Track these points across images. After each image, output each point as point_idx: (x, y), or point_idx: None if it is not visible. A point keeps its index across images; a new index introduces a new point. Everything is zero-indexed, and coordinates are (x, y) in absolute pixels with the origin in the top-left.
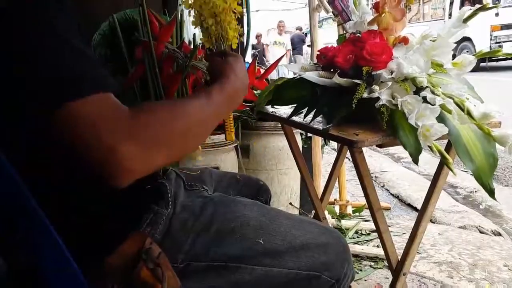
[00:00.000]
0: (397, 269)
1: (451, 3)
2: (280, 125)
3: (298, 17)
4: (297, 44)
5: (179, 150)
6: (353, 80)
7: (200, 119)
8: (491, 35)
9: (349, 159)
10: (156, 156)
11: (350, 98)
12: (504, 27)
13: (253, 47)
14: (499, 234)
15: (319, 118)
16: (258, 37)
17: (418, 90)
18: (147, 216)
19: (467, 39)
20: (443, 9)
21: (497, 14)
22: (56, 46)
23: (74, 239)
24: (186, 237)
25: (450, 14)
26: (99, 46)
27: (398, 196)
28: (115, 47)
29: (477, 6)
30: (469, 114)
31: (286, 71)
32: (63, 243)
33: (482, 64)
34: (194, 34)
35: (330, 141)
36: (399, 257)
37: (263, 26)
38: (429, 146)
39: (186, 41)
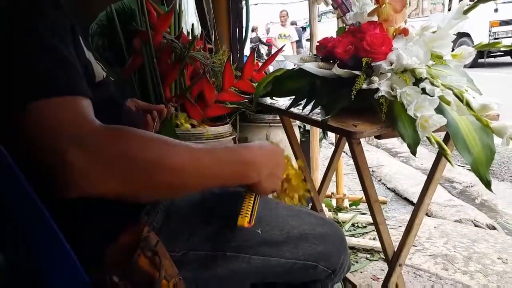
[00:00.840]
0: (393, 260)
1: None
2: (278, 117)
3: (297, 11)
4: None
5: (139, 189)
6: (353, 71)
7: (182, 168)
8: (489, 30)
9: (346, 153)
10: (107, 182)
11: (349, 89)
12: (502, 23)
13: (251, 40)
14: (494, 228)
15: (318, 110)
16: (254, 30)
17: (417, 81)
18: (145, 206)
19: (466, 34)
20: (443, 4)
21: (496, 10)
22: (33, 48)
23: (73, 231)
24: (184, 227)
25: (449, 9)
26: (96, 35)
27: (394, 190)
28: (112, 37)
29: None
30: (468, 105)
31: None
32: (63, 237)
33: (480, 60)
34: (193, 25)
35: (328, 135)
36: (395, 249)
37: (261, 19)
38: (427, 137)
39: (185, 31)
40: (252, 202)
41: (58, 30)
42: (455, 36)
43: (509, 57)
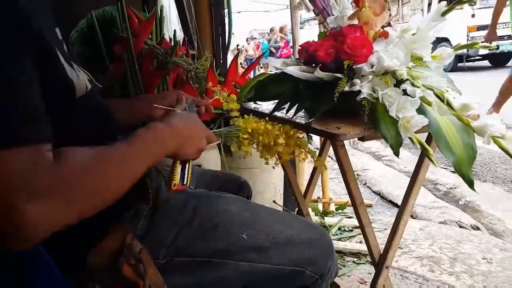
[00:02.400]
0: (380, 262)
1: (429, 4)
2: None
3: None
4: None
5: (96, 206)
6: (335, 74)
7: (121, 172)
8: (467, 35)
9: (331, 158)
10: (65, 216)
11: (332, 92)
12: (480, 28)
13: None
14: (478, 228)
15: (301, 113)
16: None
17: (399, 83)
18: (128, 213)
19: (445, 39)
20: (422, 10)
21: (473, 16)
22: None
23: (54, 239)
24: (169, 233)
25: None
26: (77, 43)
27: (379, 193)
28: (93, 44)
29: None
30: (449, 104)
31: None
32: (44, 244)
33: (459, 64)
34: (175, 31)
35: (313, 140)
36: (382, 251)
37: (245, 27)
38: (410, 138)
39: (167, 37)
40: (178, 167)
41: (21, 63)
42: (435, 38)
43: (487, 61)
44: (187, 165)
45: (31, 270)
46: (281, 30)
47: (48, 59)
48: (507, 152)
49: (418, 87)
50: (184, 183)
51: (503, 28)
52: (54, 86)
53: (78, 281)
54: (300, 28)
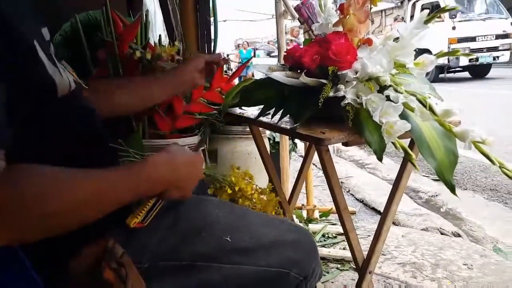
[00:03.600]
0: (363, 267)
1: (412, 16)
2: (248, 129)
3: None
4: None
5: (44, 234)
6: (320, 80)
7: (81, 207)
8: (448, 47)
9: (315, 165)
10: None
11: (317, 98)
12: (460, 40)
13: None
14: (459, 235)
15: (286, 118)
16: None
17: (382, 89)
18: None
19: (427, 50)
20: (404, 21)
21: (453, 28)
22: None
23: (34, 244)
24: (151, 237)
25: None
26: (60, 47)
27: (363, 201)
28: (76, 48)
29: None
30: (431, 110)
31: None
32: (22, 249)
33: (440, 75)
34: (160, 35)
35: (298, 147)
36: (365, 256)
37: (231, 36)
38: (393, 143)
39: (152, 42)
40: (150, 204)
41: None
42: (417, 45)
43: (467, 73)
44: (157, 206)
45: (4, 272)
46: (291, 32)
47: (25, 57)
48: (487, 156)
49: (401, 93)
50: (144, 223)
51: (482, 41)
52: (32, 84)
53: (58, 286)
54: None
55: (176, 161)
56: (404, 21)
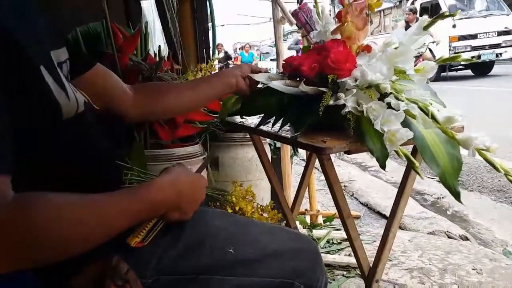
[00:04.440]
0: (370, 276)
1: None
2: (248, 136)
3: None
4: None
5: (50, 260)
6: (319, 88)
7: (88, 235)
8: (449, 45)
9: (318, 169)
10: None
11: (317, 106)
12: (461, 38)
13: (219, 60)
14: (467, 239)
15: (287, 127)
16: (218, 48)
17: (383, 96)
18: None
19: (428, 49)
20: (404, 21)
21: (454, 26)
22: None
23: None
24: (154, 251)
25: None
26: None
27: (367, 205)
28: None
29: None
30: (433, 118)
31: None
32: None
33: (443, 74)
34: (160, 46)
35: (299, 152)
36: (371, 264)
37: (228, 40)
38: (395, 151)
39: (151, 53)
40: (151, 224)
41: None
42: (417, 51)
43: (469, 71)
44: (158, 226)
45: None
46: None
47: (30, 83)
48: (492, 164)
49: (402, 101)
50: (144, 243)
51: (484, 38)
52: (35, 109)
53: None
54: (284, 41)
55: (180, 183)
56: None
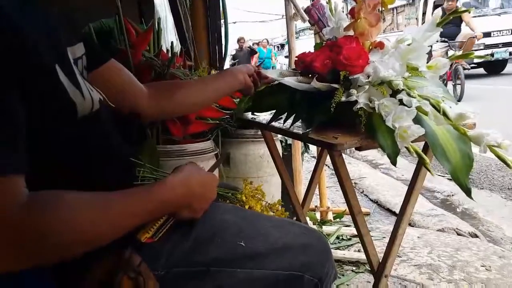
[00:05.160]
0: (379, 271)
1: (424, 13)
2: (260, 132)
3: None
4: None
5: (63, 258)
6: (331, 85)
7: (99, 233)
8: None
9: (328, 166)
10: (16, 266)
11: (328, 102)
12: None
13: (234, 56)
14: (476, 236)
15: (298, 123)
16: (240, 41)
17: (395, 93)
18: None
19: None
20: (416, 18)
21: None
22: None
23: None
24: (165, 244)
25: (423, 23)
26: None
27: (377, 202)
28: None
29: None
30: (445, 115)
31: None
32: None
33: None
34: (172, 42)
35: (310, 148)
36: (380, 260)
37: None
38: (406, 147)
39: (164, 49)
40: (162, 221)
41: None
42: (430, 48)
43: (482, 69)
44: (169, 222)
45: (23, 279)
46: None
47: (45, 83)
48: (503, 160)
49: (414, 97)
50: (154, 239)
51: (497, 36)
52: (50, 109)
53: None
54: (296, 38)
55: (191, 183)
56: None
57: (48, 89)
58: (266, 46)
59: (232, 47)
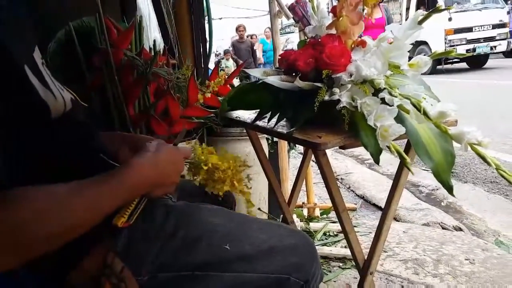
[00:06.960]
0: (364, 268)
1: (407, 9)
2: (245, 130)
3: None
4: (244, 57)
5: (46, 250)
6: (314, 84)
7: (74, 224)
8: (445, 38)
9: (314, 162)
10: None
11: (312, 101)
12: (456, 31)
13: (235, 50)
14: (460, 229)
15: (283, 122)
16: (239, 29)
17: (377, 91)
18: (106, 229)
19: (423, 43)
20: (400, 14)
21: (450, 19)
22: None
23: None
24: (150, 248)
25: (406, 19)
26: (55, 54)
27: (363, 197)
28: (71, 56)
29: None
30: (425, 114)
31: None
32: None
33: (438, 67)
34: (154, 41)
35: (296, 145)
36: (366, 257)
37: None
38: (387, 147)
39: (146, 47)
40: (135, 203)
41: None
42: (412, 46)
43: (465, 63)
44: (141, 203)
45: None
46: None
47: (16, 85)
48: (483, 158)
49: (396, 96)
50: (130, 221)
51: (479, 31)
52: (23, 110)
53: None
54: (281, 34)
55: (159, 160)
56: None
57: (19, 90)
58: (270, 37)
59: (229, 41)
